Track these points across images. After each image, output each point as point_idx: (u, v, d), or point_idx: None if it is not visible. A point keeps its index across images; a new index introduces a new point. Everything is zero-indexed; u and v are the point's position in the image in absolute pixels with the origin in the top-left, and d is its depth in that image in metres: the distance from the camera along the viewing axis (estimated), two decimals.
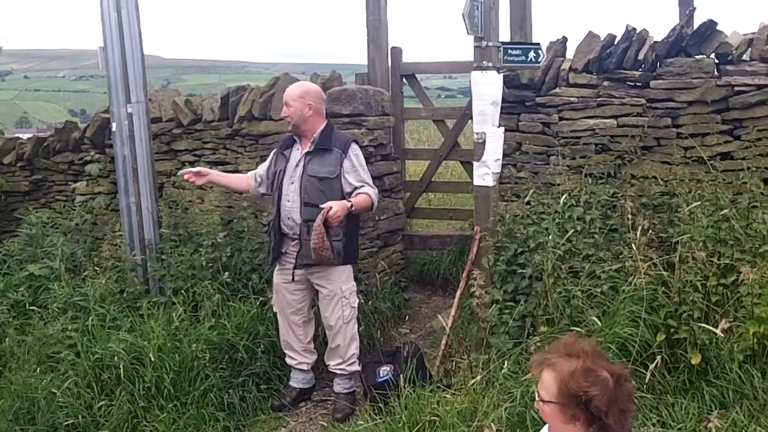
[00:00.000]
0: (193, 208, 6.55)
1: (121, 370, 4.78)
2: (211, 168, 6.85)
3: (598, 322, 4.07)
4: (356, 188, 4.81)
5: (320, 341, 5.29)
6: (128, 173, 5.95)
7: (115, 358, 4.84)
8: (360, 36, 6.97)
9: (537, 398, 2.52)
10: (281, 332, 5.14)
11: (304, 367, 5.16)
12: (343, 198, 4.78)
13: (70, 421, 4.70)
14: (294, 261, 4.92)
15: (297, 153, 4.93)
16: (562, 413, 2.41)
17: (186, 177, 5.14)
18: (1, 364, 5.40)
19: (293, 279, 4.96)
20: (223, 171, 6.79)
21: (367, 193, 4.82)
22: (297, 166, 4.88)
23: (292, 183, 4.85)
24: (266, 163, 5.22)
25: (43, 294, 5.81)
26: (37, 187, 7.90)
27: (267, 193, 5.20)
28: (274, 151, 5.19)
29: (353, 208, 4.71)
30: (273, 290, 5.16)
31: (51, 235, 6.49)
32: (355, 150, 4.91)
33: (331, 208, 4.57)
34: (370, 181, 4.94)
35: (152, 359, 4.81)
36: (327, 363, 5.11)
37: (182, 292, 5.46)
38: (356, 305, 5.05)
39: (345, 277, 4.95)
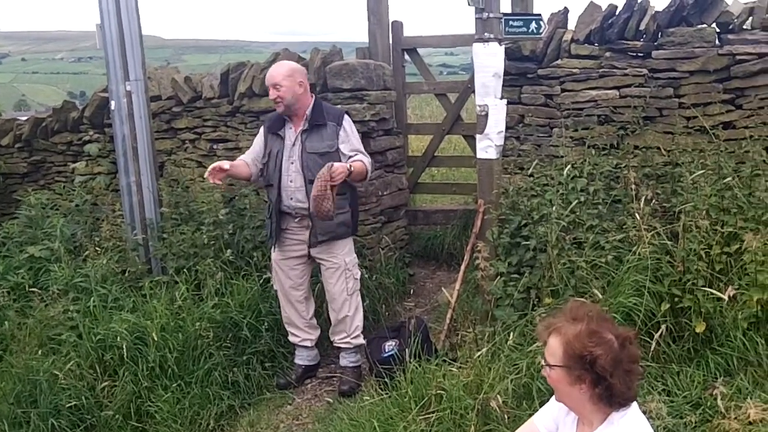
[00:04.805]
0: (193, 187, 6.52)
1: (124, 350, 4.77)
2: (212, 145, 6.85)
3: (600, 295, 4.05)
4: (350, 157, 4.77)
5: (323, 318, 5.27)
6: (128, 152, 5.91)
7: (118, 338, 4.83)
8: (360, 13, 6.88)
9: (543, 364, 2.52)
10: (283, 310, 5.11)
11: (308, 343, 5.14)
12: None
13: (73, 403, 4.70)
14: (297, 237, 4.89)
15: (291, 132, 4.85)
16: (568, 375, 2.43)
17: (210, 180, 4.76)
18: (2, 347, 5.35)
19: (309, 256, 4.93)
20: (224, 148, 6.78)
21: (362, 161, 4.79)
22: (294, 145, 4.81)
23: (292, 163, 4.80)
24: (256, 147, 4.98)
25: (43, 276, 5.77)
26: (35, 169, 7.86)
27: (262, 175, 5.01)
28: (261, 132, 5.01)
29: (352, 170, 4.63)
30: (272, 268, 5.11)
31: (51, 217, 6.44)
32: (348, 121, 4.89)
33: (333, 165, 4.50)
34: (363, 150, 4.92)
35: (155, 339, 4.81)
36: (332, 338, 5.09)
37: (184, 270, 5.44)
38: (359, 277, 5.05)
39: (348, 250, 4.96)
